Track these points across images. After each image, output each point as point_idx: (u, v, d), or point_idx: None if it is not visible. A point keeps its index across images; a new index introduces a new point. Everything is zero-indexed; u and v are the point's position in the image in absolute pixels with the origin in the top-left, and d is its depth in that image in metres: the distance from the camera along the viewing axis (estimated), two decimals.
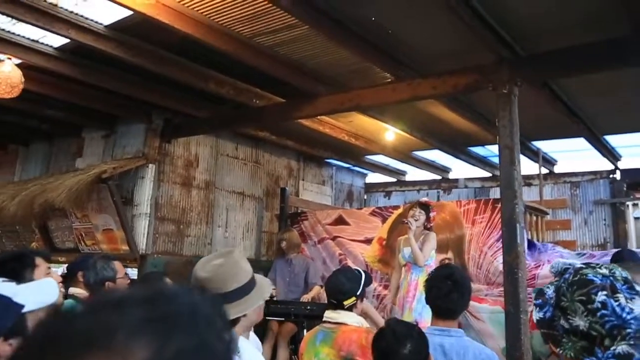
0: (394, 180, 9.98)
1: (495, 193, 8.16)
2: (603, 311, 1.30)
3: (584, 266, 1.44)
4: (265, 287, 1.96)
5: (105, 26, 4.34)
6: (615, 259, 3.52)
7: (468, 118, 6.06)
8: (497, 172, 4.78)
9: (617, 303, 1.30)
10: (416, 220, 4.81)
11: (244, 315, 1.82)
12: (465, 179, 9.25)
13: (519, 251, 3.97)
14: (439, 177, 9.55)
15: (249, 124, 6.46)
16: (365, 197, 9.93)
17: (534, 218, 6.30)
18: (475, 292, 5.10)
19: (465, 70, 4.49)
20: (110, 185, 5.99)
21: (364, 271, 2.96)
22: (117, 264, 3.30)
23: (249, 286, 1.86)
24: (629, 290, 1.33)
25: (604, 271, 1.36)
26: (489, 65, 4.36)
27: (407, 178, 10.01)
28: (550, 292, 1.45)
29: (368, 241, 6.13)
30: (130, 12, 3.93)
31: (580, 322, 1.33)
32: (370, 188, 10.01)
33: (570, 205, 8.33)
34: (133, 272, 6.35)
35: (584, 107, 5.85)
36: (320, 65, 4.98)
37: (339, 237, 6.42)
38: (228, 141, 7.30)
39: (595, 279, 1.36)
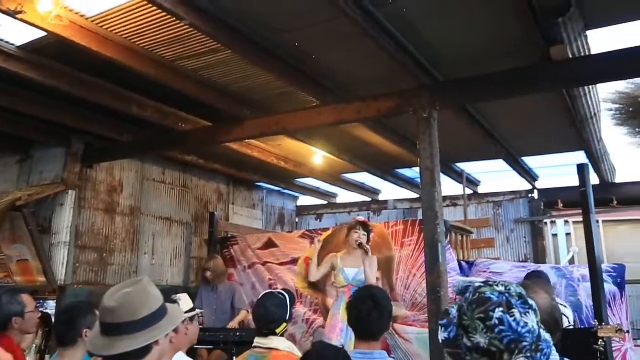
0: (325, 202, 10.07)
1: None
2: (500, 327, 1.37)
3: (482, 284, 1.50)
4: (177, 315, 1.94)
5: (18, 47, 4.16)
6: (526, 279, 3.74)
7: (394, 141, 6.23)
8: None
9: (512, 318, 1.37)
10: (362, 243, 4.64)
11: (157, 344, 1.77)
12: (395, 200, 9.47)
13: (442, 270, 4.08)
14: (369, 199, 9.72)
15: (175, 148, 6.34)
16: (297, 220, 9.95)
17: (460, 237, 6.49)
18: (402, 319, 5.18)
19: (387, 95, 4.63)
20: (25, 213, 5.68)
21: (287, 291, 2.94)
22: (25, 297, 3.11)
23: (160, 313, 1.83)
24: (523, 305, 1.40)
25: (501, 288, 1.43)
26: (410, 91, 4.52)
27: (338, 200, 10.13)
28: (454, 311, 1.50)
29: (294, 261, 6.13)
30: (45, 33, 3.79)
31: (481, 339, 1.38)
32: (301, 211, 10.05)
33: (493, 224, 8.68)
34: (52, 305, 6.02)
35: (501, 131, 6.16)
36: (246, 89, 4.98)
37: (269, 262, 6.38)
38: (154, 166, 7.12)
39: (492, 296, 1.43)
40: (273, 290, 3.04)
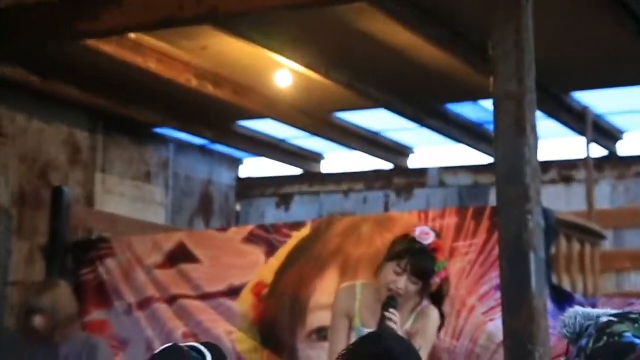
0: (299, 172, 10.26)
1: None
2: None
3: (614, 319, 1.55)
4: None
5: None
6: None
7: (438, 43, 6.34)
8: None
9: None
10: (400, 295, 4.44)
11: None
12: (442, 168, 9.64)
13: (535, 308, 4.18)
14: (390, 165, 9.95)
15: None
16: (239, 207, 10.10)
17: (577, 246, 6.60)
18: None
19: None
20: None
21: (210, 346, 3.01)
22: None
23: None
24: None
25: None
26: None
27: (325, 168, 10.37)
28: None
29: (234, 292, 6.21)
30: None
31: None
32: (248, 188, 10.19)
33: None
34: None
35: None
36: None
37: (182, 296, 6.44)
38: None
39: (636, 340, 1.49)
40: (180, 344, 3.08)
